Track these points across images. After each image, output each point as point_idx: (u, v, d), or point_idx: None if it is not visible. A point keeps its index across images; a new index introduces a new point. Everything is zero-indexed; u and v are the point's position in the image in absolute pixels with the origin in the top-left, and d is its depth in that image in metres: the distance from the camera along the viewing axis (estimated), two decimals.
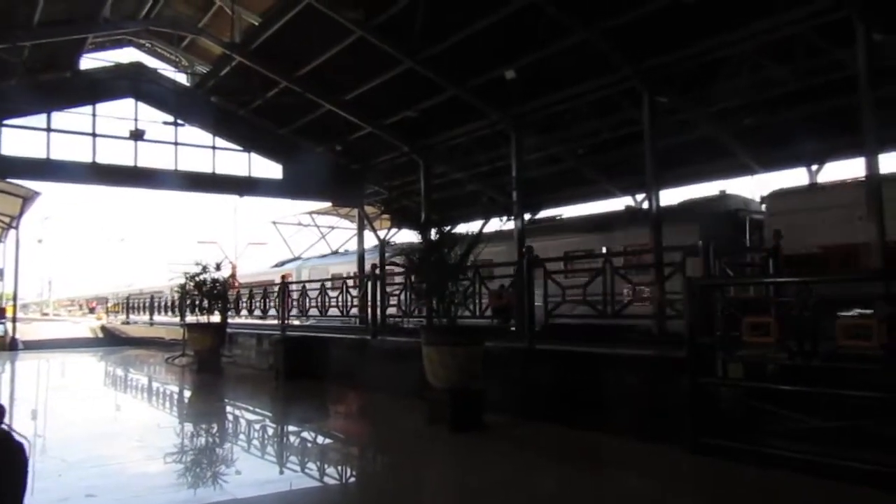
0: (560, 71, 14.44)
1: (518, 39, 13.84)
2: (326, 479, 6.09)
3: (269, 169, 21.50)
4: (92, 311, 52.26)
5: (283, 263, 32.19)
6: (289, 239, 31.65)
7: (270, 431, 8.78)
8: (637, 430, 6.49)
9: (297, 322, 14.68)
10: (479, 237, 7.94)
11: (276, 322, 14.43)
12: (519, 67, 14.71)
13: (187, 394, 12.41)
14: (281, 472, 6.29)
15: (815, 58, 12.42)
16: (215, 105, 20.33)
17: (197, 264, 15.55)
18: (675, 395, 6.06)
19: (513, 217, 17.46)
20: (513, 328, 9.22)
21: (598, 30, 12.90)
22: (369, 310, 11.46)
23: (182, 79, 21.28)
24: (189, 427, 8.95)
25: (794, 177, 17.14)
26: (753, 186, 21.77)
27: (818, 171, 16.44)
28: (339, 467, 6.57)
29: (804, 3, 11.23)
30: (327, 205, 26.50)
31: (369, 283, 11.57)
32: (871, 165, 10.44)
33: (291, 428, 8.80)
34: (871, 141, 10.52)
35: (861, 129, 10.67)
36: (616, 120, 16.21)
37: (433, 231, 8.12)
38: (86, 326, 33.24)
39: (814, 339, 5.16)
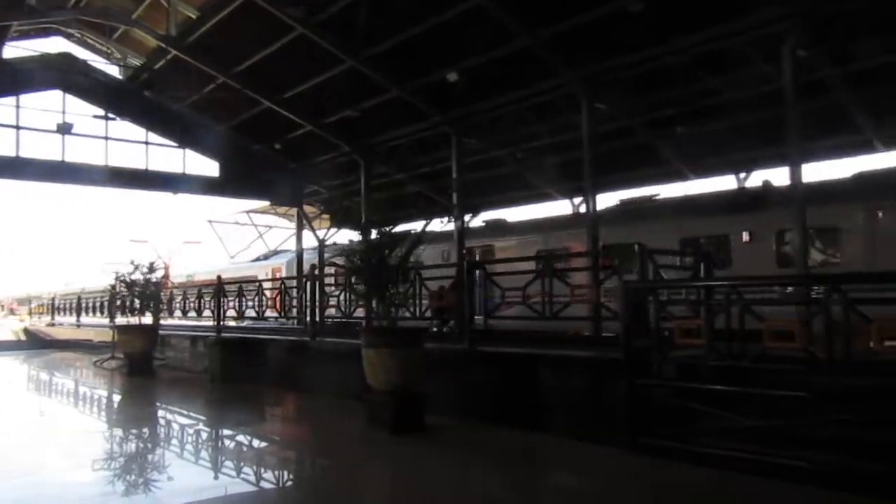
0: (502, 75, 14.58)
1: (461, 43, 13.91)
2: (263, 483, 5.97)
3: (205, 166, 20.94)
4: (13, 312, 49.79)
5: (267, 257, 29.90)
6: (225, 238, 30.93)
7: (205, 436, 8.55)
8: (577, 430, 6.60)
9: (233, 324, 14.36)
10: (420, 238, 7.93)
11: (211, 323, 14.07)
12: (462, 70, 14.79)
13: (117, 398, 11.97)
14: (216, 478, 6.13)
15: (745, 70, 12.92)
16: (149, 99, 19.67)
17: (131, 263, 15.04)
18: (613, 396, 6.20)
19: (453, 219, 17.53)
20: (450, 329, 9.24)
21: (540, 36, 13.10)
22: (308, 311, 11.30)
23: (114, 71, 20.53)
24: (119, 433, 8.64)
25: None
26: None
27: (745, 178, 17.15)
28: (277, 472, 6.46)
29: (736, 18, 11.68)
30: (265, 204, 26.02)
31: (308, 284, 11.41)
32: (795, 175, 10.94)
33: (227, 432, 8.60)
34: (794, 151, 11.04)
35: (786, 139, 11.20)
36: (556, 125, 16.48)
37: (374, 232, 8.07)
38: (6, 329, 31.67)
39: (742, 341, 5.36)
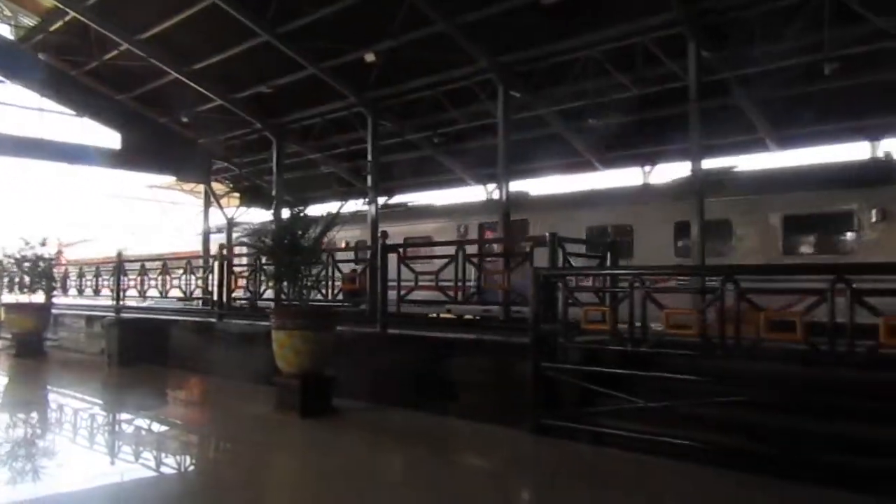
0: (420, 59, 14.53)
1: (379, 24, 13.76)
2: (163, 469, 5.80)
3: (106, 138, 19.85)
4: None
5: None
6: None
7: (101, 421, 8.19)
8: (484, 412, 6.74)
9: (134, 303, 13.74)
10: (334, 220, 7.84)
11: (110, 303, 13.42)
12: (379, 52, 14.65)
13: (3, 381, 11.25)
14: (112, 464, 5.90)
15: (653, 68, 13.42)
16: (44, 63, 18.39)
17: (21, 239, 14.11)
18: (520, 379, 6.36)
19: (368, 201, 17.41)
20: (364, 311, 9.21)
21: (456, 22, 13.14)
22: (216, 291, 10.97)
23: (4, 30, 19.07)
24: (4, 417, 8.13)
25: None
26: None
27: (650, 172, 17.90)
28: (178, 457, 6.28)
29: (644, 17, 12.14)
30: (171, 179, 24.96)
31: (216, 264, 11.07)
32: (696, 169, 11.52)
33: (124, 416, 8.26)
34: (695, 147, 11.61)
35: (688, 135, 11.77)
36: (472, 111, 16.60)
37: (286, 212, 7.92)
38: None
39: (643, 327, 5.62)
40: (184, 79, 17.41)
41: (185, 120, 20.12)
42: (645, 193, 16.10)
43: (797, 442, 4.70)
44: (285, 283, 7.64)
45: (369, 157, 17.19)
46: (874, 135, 14.91)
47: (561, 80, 14.55)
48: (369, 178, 17.55)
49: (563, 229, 8.19)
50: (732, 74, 13.32)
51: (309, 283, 7.67)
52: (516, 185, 16.04)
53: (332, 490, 4.76)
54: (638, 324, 5.69)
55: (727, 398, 5.23)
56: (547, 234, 6.68)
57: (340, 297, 9.31)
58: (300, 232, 7.53)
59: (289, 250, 7.44)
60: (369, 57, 14.85)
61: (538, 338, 6.17)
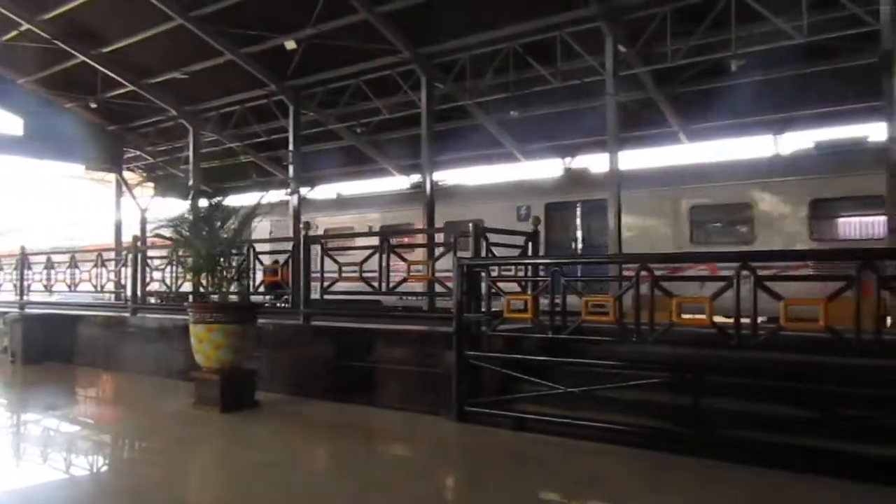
0: (343, 47, 14.37)
1: (300, 11, 13.51)
2: (74, 471, 5.55)
3: (7, 123, 18.70)
4: None
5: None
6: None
7: (3, 422, 7.75)
8: (409, 402, 6.78)
9: (41, 298, 13.04)
10: (254, 210, 7.67)
11: (14, 298, 12.69)
12: (300, 39, 14.39)
13: None
14: (17, 467, 5.61)
15: (572, 61, 13.75)
16: None
17: None
18: (445, 368, 6.43)
19: (289, 191, 17.13)
20: (287, 304, 9.08)
21: (377, 12, 13.06)
22: (129, 284, 10.54)
23: None
24: None
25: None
26: None
27: (570, 163, 18.34)
28: (90, 458, 6.02)
29: (562, 12, 12.43)
30: (80, 168, 23.75)
31: (129, 256, 10.64)
32: (613, 161, 11.89)
33: (30, 417, 7.85)
34: (612, 139, 11.98)
35: (606, 128, 12.14)
36: (396, 102, 16.56)
37: (204, 202, 7.69)
38: None
39: (563, 315, 5.78)
40: (92, 62, 16.59)
41: (93, 105, 19.16)
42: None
43: (710, 421, 4.95)
44: (204, 276, 7.44)
45: (290, 147, 16.90)
46: (778, 129, 15.77)
47: (483, 72, 14.70)
48: (291, 168, 17.24)
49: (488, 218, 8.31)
50: (647, 69, 13.79)
51: (228, 276, 7.50)
52: (440, 176, 16.15)
53: (255, 484, 4.69)
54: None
55: (643, 381, 5.46)
56: (470, 225, 6.76)
57: (262, 289, 9.15)
58: (219, 223, 7.34)
59: (207, 242, 7.24)
60: (290, 44, 14.57)
61: (461, 327, 6.24)
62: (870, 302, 4.47)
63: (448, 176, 19.38)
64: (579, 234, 15.34)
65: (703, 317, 5.11)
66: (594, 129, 14.47)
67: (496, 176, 19.42)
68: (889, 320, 6.18)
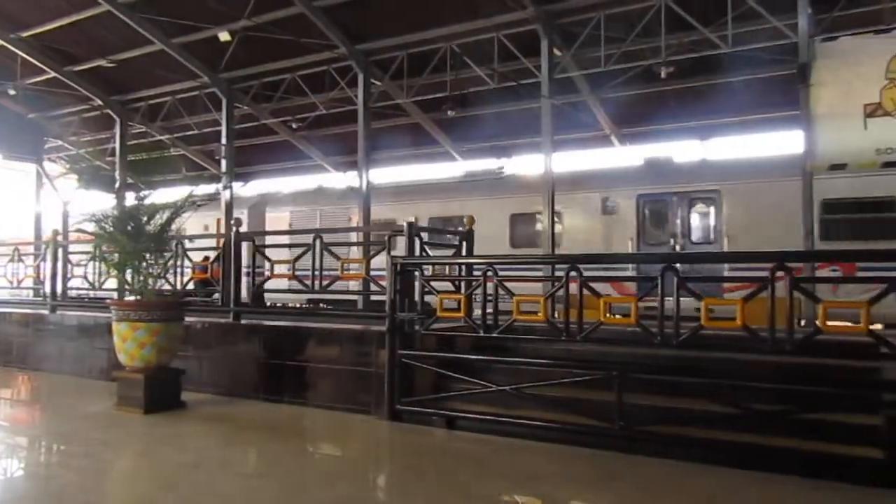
0: (279, 41, 14.12)
1: (235, 0, 13.21)
2: None
3: None
4: None
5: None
6: None
7: None
8: (341, 401, 6.74)
9: None
10: (183, 205, 7.46)
11: None
12: (234, 31, 14.08)
13: None
14: None
15: (509, 63, 13.91)
16: None
17: None
18: (377, 367, 6.42)
19: (222, 186, 16.73)
20: (218, 302, 8.86)
21: (314, 5, 12.92)
22: (48, 281, 10.09)
23: None
24: None
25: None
26: None
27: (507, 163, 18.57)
28: (4, 462, 5.74)
29: (500, 13, 12.57)
30: None
31: (49, 250, 10.18)
32: (547, 163, 12.09)
33: None
34: (547, 141, 12.19)
35: (540, 130, 12.34)
36: (332, 98, 16.40)
37: (130, 196, 7.43)
38: None
39: (495, 314, 5.85)
40: (10, 46, 15.79)
41: (11, 92, 18.23)
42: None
43: (634, 417, 5.10)
44: (129, 273, 7.19)
45: (223, 141, 16.51)
46: (704, 135, 16.37)
47: (421, 71, 14.72)
48: (223, 163, 16.85)
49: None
50: (581, 73, 14.08)
51: (155, 273, 7.27)
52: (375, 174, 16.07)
53: (178, 487, 4.58)
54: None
55: (572, 379, 5.58)
56: (405, 224, 6.77)
57: (191, 286, 8.91)
58: (145, 218, 7.11)
59: (132, 237, 7.00)
60: (223, 36, 14.25)
61: (394, 325, 6.24)
62: (785, 302, 4.70)
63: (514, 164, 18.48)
64: (678, 229, 13.70)
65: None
66: (530, 130, 14.69)
67: (577, 164, 17.67)
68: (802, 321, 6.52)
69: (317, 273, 7.31)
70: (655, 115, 15.43)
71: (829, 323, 4.58)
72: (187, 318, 7.34)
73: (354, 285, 8.78)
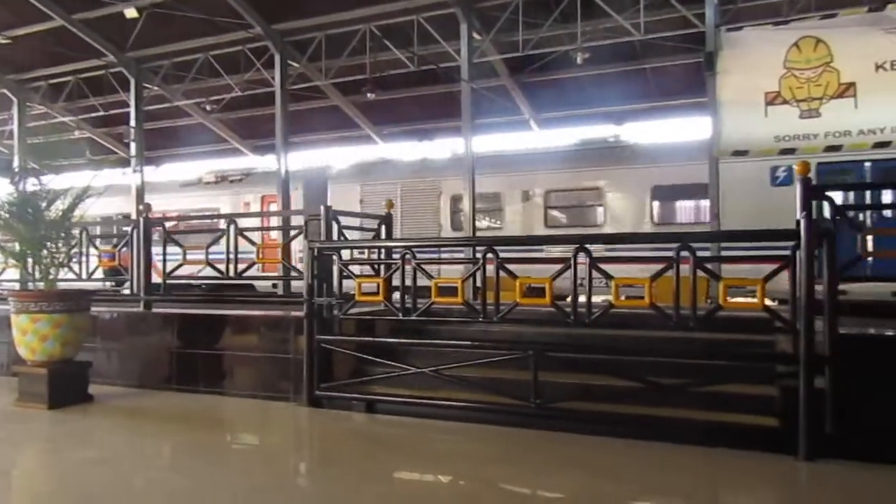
0: (190, 19, 13.60)
1: None
2: None
3: None
4: None
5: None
6: None
7: None
8: (260, 389, 6.63)
9: None
10: (87, 190, 7.10)
11: None
12: (142, 7, 13.45)
13: None
14: None
15: (429, 46, 13.89)
16: None
17: None
18: (296, 353, 6.35)
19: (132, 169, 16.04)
20: (127, 290, 8.53)
21: None
22: None
23: None
24: None
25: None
26: None
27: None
28: None
29: None
30: None
31: None
32: (467, 146, 12.18)
33: None
34: (467, 125, 12.27)
35: (461, 113, 12.40)
36: (248, 79, 15.94)
37: (29, 181, 7.02)
38: None
39: (414, 297, 5.87)
40: None
41: None
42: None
43: (550, 395, 5.23)
44: (30, 262, 6.81)
45: (132, 123, 15.81)
46: (618, 120, 16.84)
47: (339, 53, 14.49)
48: (133, 146, 16.14)
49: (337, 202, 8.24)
50: (500, 57, 14.21)
51: (58, 262, 6.91)
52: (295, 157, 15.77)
53: (85, 484, 4.40)
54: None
55: (489, 359, 5.68)
56: (322, 208, 6.68)
57: (100, 274, 8.52)
58: (45, 204, 6.73)
59: (32, 224, 6.63)
60: (130, 12, 13.59)
61: (312, 311, 6.18)
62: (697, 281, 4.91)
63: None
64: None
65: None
66: (450, 113, 14.73)
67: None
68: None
69: (241, 257, 7.15)
70: (572, 101, 15.75)
71: (729, 300, 4.83)
72: (95, 309, 7.04)
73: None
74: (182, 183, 18.07)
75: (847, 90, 9.89)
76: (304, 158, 18.67)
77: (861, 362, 4.48)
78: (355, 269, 6.51)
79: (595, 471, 4.55)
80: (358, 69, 14.84)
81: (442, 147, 17.87)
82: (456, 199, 14.29)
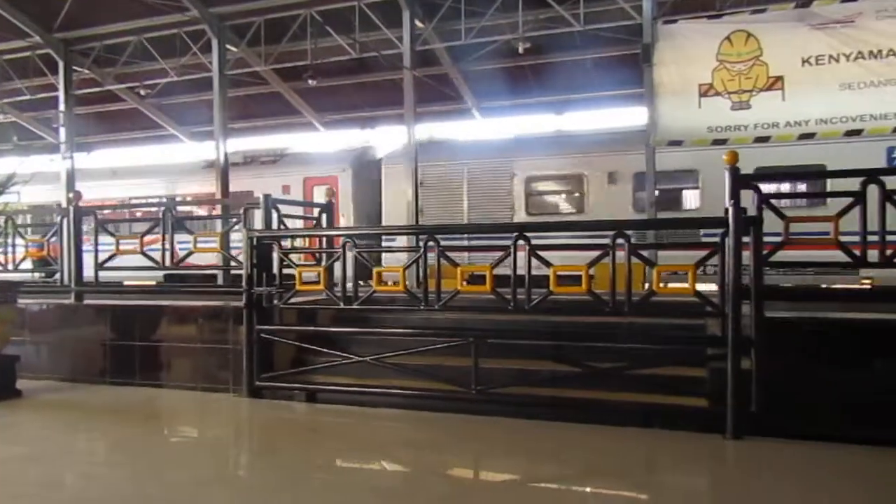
0: (124, 0, 13.12)
1: None
2: None
3: None
4: None
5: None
6: None
7: None
8: (199, 380, 6.52)
9: None
10: (11, 178, 6.82)
11: None
12: None
13: None
14: None
15: (371, 33, 13.77)
16: None
17: None
18: (235, 344, 6.25)
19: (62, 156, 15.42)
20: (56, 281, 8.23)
21: None
22: None
23: None
24: None
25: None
26: None
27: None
28: None
29: None
30: None
31: None
32: (410, 134, 12.16)
33: None
34: (409, 113, 12.24)
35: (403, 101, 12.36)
36: (185, 63, 15.48)
37: None
38: None
39: (355, 286, 5.86)
40: None
41: None
42: None
43: (490, 381, 5.31)
44: None
45: (61, 107, 15.17)
46: (559, 109, 17.08)
47: (280, 38, 14.23)
48: (62, 131, 15.51)
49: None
50: (442, 46, 14.20)
51: None
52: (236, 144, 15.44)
53: (13, 482, 4.25)
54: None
55: (431, 347, 5.71)
56: (261, 196, 6.58)
57: (27, 265, 8.19)
58: None
59: None
60: None
61: (252, 300, 6.09)
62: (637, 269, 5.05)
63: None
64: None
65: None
66: (394, 101, 14.66)
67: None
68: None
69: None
70: (514, 90, 15.88)
71: (663, 286, 4.99)
72: (23, 301, 6.78)
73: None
74: (204, 164, 16.46)
75: (775, 83, 10.28)
76: (350, 138, 17.86)
77: (785, 344, 4.70)
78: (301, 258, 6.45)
79: (535, 454, 4.65)
80: (299, 55, 14.60)
81: (512, 126, 17.25)
82: (531, 181, 13.77)
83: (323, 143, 18.70)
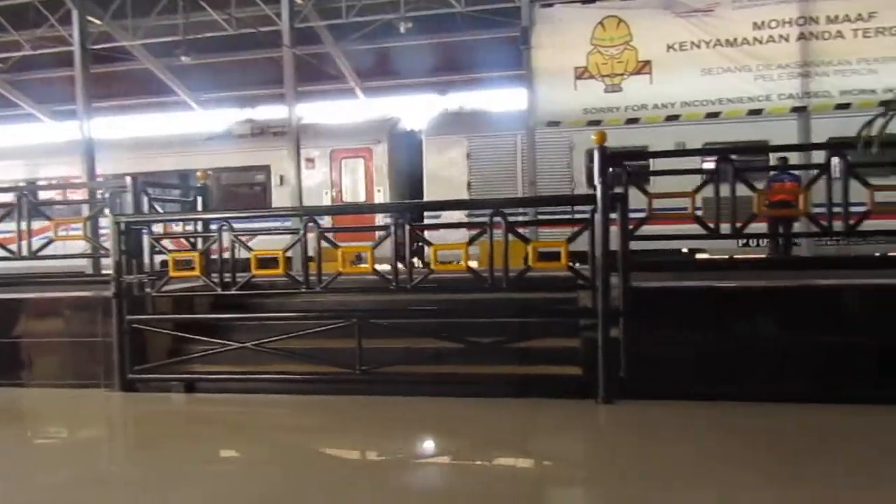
0: None
1: None
2: None
3: None
4: None
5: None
6: None
7: None
8: (66, 376, 6.12)
9: None
10: None
11: None
12: None
13: None
14: None
15: (247, 8, 13.29)
16: None
17: None
18: (105, 336, 5.92)
19: None
20: None
21: None
22: None
23: None
24: None
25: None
26: None
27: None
28: None
29: None
30: None
31: None
32: (291, 114, 11.88)
33: None
34: (291, 92, 11.94)
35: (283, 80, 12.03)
36: (41, 36, 14.31)
37: None
38: None
39: (233, 271, 5.68)
40: None
41: None
42: None
43: (375, 360, 5.32)
44: None
45: None
46: (443, 90, 17.20)
47: (148, 11, 13.45)
48: None
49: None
50: (323, 24, 13.92)
51: None
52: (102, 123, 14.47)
53: None
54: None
55: (314, 329, 5.64)
56: (127, 178, 6.22)
57: None
58: None
59: None
60: None
61: (121, 290, 5.78)
62: (516, 246, 5.19)
63: None
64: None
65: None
66: (275, 80, 14.23)
67: None
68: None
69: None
70: (397, 70, 15.83)
71: (537, 263, 5.17)
72: None
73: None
74: (207, 136, 15.00)
75: (644, 67, 10.84)
76: (386, 107, 16.51)
77: (651, 312, 5.01)
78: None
79: (421, 430, 4.75)
80: (171, 30, 13.86)
81: None
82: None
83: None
